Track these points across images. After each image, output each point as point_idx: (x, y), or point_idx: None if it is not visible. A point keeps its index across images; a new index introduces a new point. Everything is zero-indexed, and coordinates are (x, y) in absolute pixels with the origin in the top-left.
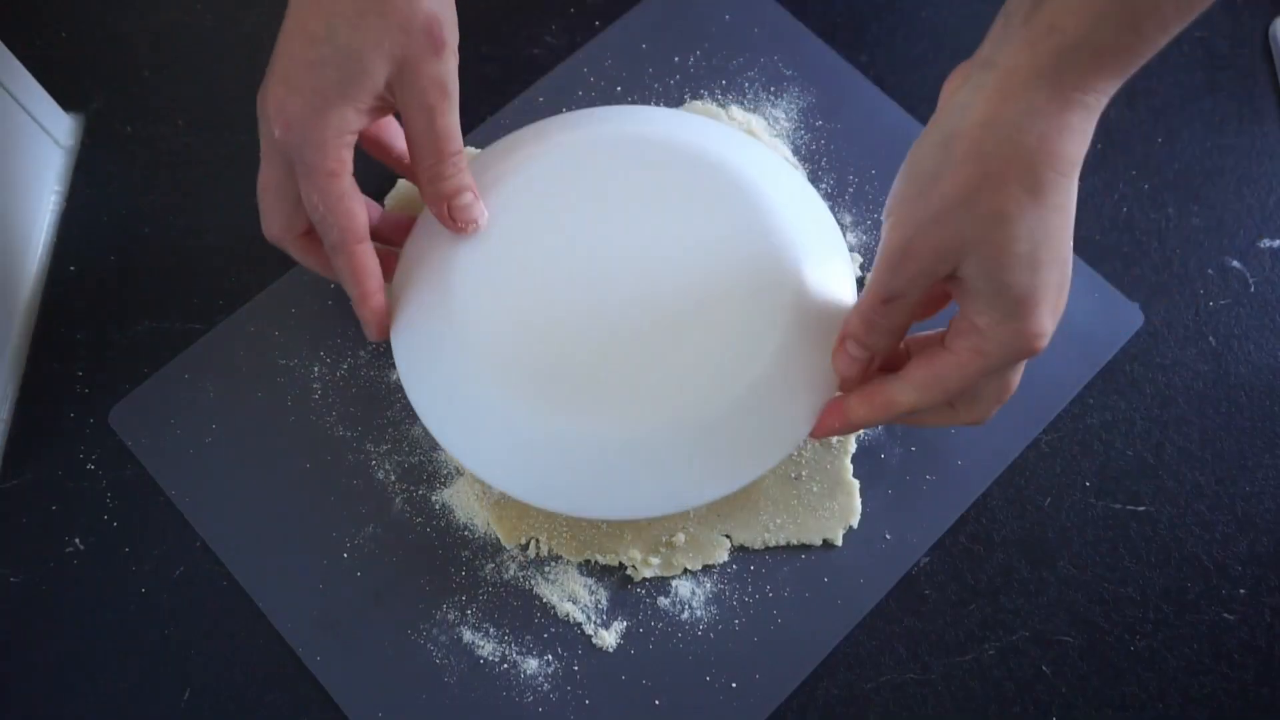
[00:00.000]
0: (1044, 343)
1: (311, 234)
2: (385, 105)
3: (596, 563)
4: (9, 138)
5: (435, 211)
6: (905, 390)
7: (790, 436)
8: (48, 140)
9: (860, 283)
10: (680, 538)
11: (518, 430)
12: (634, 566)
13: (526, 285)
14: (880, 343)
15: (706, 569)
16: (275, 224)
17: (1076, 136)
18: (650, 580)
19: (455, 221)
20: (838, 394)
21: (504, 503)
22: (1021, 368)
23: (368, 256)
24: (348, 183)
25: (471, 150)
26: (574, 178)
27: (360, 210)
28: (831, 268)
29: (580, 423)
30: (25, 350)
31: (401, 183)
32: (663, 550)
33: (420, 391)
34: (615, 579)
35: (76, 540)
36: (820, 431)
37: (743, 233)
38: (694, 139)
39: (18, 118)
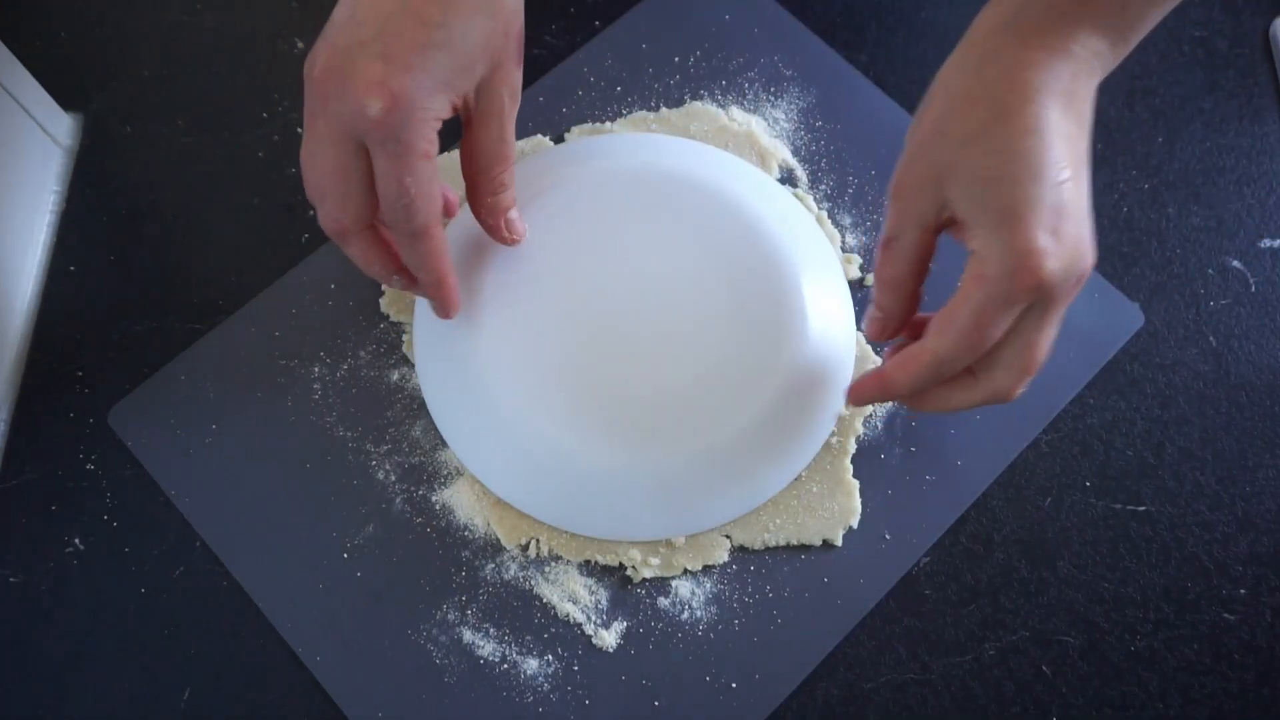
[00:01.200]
0: (1044, 261)
1: (374, 226)
2: (462, 105)
3: (596, 563)
4: (9, 138)
5: (490, 223)
6: (924, 343)
7: (799, 459)
8: (48, 140)
9: (858, 283)
10: (680, 538)
11: (533, 451)
12: (634, 567)
13: (548, 313)
14: (884, 298)
15: (707, 569)
16: (348, 213)
17: (1043, 71)
18: (650, 580)
19: (510, 234)
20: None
21: (504, 503)
22: (1046, 328)
23: (444, 240)
24: (435, 165)
25: None
26: (590, 209)
27: (439, 194)
28: (830, 291)
29: (596, 447)
30: (25, 350)
31: None
32: (662, 550)
33: (444, 414)
34: (615, 579)
35: (76, 540)
36: (855, 396)
37: (749, 265)
38: (698, 170)
39: (18, 118)
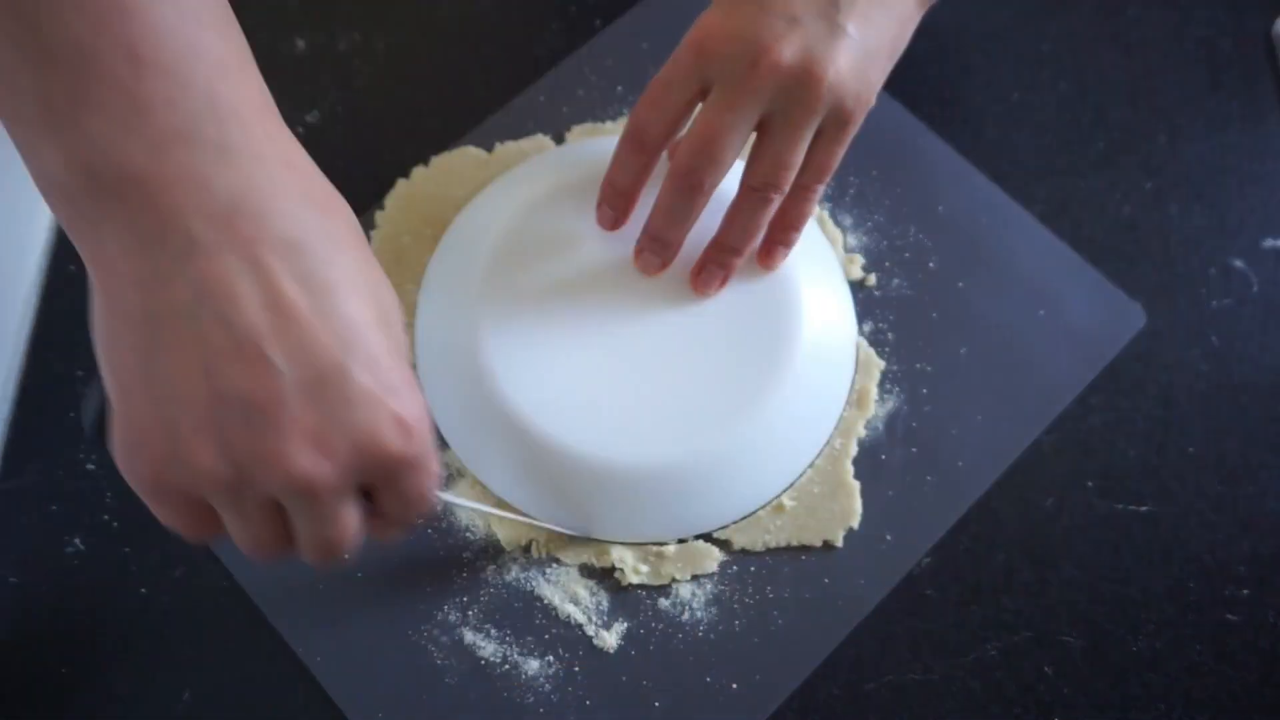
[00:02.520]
0: (702, 28)
1: None
2: None
3: (594, 565)
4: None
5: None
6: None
7: (799, 461)
8: None
9: (859, 284)
10: (670, 546)
11: (532, 451)
12: (622, 570)
13: (547, 313)
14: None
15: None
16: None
17: None
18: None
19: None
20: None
21: (504, 505)
22: (720, 107)
23: None
24: None
25: (473, 150)
26: (588, 211)
27: None
28: (830, 292)
29: (595, 448)
30: (25, 350)
31: (401, 183)
32: (652, 559)
33: (445, 414)
34: (615, 581)
35: (76, 540)
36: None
37: (748, 265)
38: None
39: None
